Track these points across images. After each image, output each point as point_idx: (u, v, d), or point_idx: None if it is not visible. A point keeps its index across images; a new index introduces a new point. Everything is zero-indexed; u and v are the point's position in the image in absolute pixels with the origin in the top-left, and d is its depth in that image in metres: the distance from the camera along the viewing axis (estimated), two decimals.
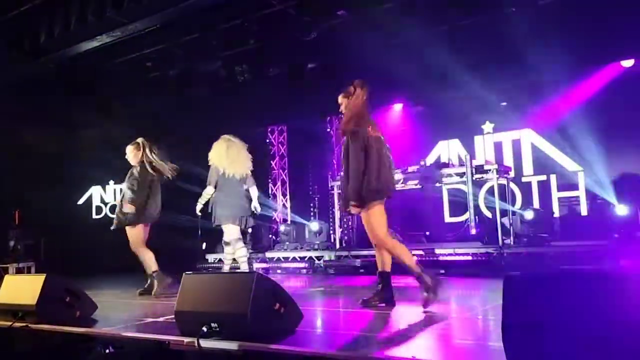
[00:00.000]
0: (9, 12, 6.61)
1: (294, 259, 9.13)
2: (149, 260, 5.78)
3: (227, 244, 6.34)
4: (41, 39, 6.54)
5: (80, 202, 12.31)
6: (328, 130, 11.40)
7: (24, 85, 9.67)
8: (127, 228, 5.86)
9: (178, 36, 8.37)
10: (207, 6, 6.99)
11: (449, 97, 9.20)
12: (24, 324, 3.83)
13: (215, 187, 6.34)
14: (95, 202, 12.26)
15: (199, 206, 6.46)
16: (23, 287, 4.13)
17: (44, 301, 3.92)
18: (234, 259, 6.45)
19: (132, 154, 6.02)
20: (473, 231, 7.98)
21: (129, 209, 5.77)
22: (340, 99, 4.38)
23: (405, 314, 4.04)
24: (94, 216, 12.17)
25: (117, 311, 4.87)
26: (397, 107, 10.54)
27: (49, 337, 3.56)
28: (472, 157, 8.67)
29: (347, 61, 8.41)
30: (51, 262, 11.16)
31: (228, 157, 6.35)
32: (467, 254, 7.34)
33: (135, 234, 5.83)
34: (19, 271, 8.62)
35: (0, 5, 6.62)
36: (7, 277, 4.52)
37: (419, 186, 9.22)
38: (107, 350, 2.91)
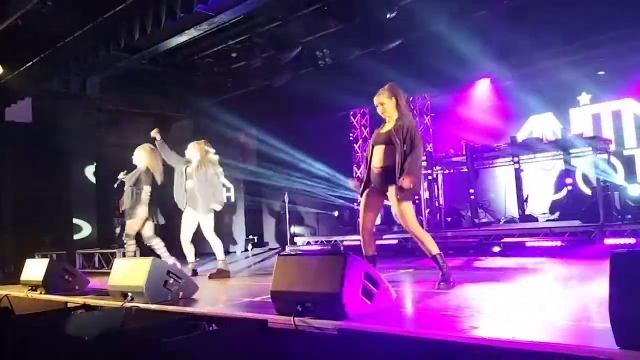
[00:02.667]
0: (108, 11, 7.07)
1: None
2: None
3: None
4: (136, 36, 6.92)
5: None
6: (412, 109, 11.22)
7: (120, 81, 10.33)
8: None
9: (261, 25, 8.54)
10: None
11: (540, 69, 8.73)
12: (134, 305, 4.14)
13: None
14: None
15: None
16: (131, 271, 4.45)
17: (151, 283, 4.20)
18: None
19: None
20: (569, 209, 7.58)
21: None
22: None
23: (498, 295, 3.93)
24: None
25: (216, 292, 5.13)
26: (484, 83, 10.17)
27: (157, 316, 3.81)
28: (568, 130, 8.20)
29: (428, 39, 8.20)
30: (151, 248, 11.92)
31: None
32: (565, 233, 6.98)
33: None
34: (125, 256, 9.25)
35: (100, 6, 7.09)
36: (116, 261, 4.89)
37: (510, 164, 8.88)
38: (211, 328, 3.08)
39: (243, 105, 11.12)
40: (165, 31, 7.42)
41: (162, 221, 7.07)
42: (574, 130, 8.93)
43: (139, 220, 6.74)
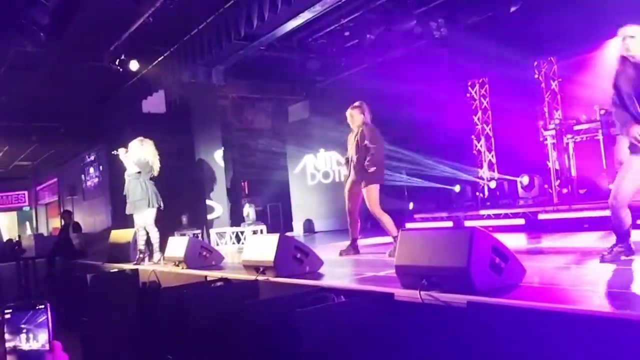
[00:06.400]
0: (227, 2, 7.46)
1: (506, 216, 8.76)
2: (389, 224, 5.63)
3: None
4: (254, 23, 7.22)
5: (297, 170, 13.43)
6: (536, 76, 10.54)
7: (241, 68, 10.86)
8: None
9: (373, 0, 8.49)
10: None
11: None
12: (265, 278, 4.41)
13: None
14: (310, 169, 13.17)
15: None
16: (262, 246, 4.72)
17: (280, 258, 4.44)
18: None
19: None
20: None
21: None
22: None
23: (630, 270, 3.64)
24: (309, 182, 13.16)
25: (340, 267, 5.28)
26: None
27: (287, 288, 4.03)
28: None
29: None
30: (276, 225, 12.52)
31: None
32: None
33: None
34: (254, 233, 9.80)
35: None
36: (248, 238, 5.21)
37: None
38: (340, 300, 3.20)
39: (357, 82, 11.17)
40: (280, 16, 7.65)
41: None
42: None
43: (154, 210, 6.88)
